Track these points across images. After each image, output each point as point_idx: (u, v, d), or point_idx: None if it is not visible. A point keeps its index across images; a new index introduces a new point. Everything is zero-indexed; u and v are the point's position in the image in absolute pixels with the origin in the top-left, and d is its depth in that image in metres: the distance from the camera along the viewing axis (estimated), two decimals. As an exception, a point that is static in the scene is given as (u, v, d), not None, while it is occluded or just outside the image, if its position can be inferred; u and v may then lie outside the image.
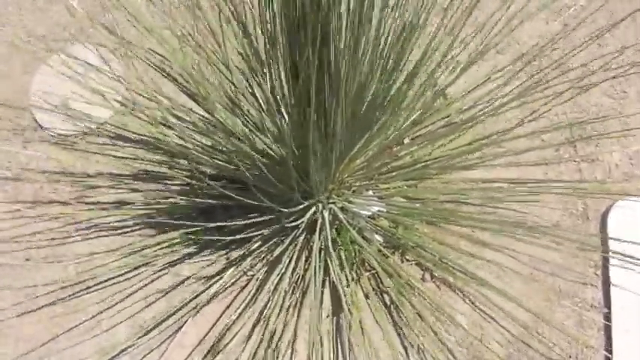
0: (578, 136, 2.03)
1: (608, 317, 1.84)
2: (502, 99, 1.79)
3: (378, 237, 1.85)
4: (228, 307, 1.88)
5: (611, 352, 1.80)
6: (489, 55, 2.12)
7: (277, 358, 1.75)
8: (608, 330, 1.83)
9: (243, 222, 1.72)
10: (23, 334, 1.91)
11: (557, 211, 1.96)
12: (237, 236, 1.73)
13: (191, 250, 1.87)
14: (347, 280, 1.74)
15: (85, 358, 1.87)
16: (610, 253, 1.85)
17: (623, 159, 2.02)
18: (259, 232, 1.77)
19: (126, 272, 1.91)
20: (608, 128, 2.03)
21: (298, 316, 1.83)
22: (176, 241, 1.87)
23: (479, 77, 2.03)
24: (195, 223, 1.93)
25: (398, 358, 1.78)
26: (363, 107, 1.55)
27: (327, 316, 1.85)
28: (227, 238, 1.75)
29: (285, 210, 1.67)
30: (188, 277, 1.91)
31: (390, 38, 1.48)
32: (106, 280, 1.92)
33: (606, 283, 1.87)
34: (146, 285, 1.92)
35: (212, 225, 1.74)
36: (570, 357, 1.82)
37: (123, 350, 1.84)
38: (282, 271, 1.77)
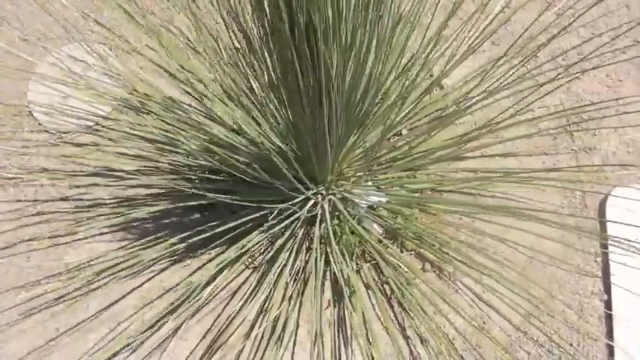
0: (575, 125, 2.04)
1: (608, 304, 1.85)
2: (498, 89, 1.79)
3: (377, 227, 1.86)
4: (230, 300, 1.89)
5: (612, 338, 1.81)
6: (485, 46, 2.13)
7: (280, 349, 1.75)
8: (609, 317, 1.84)
9: (242, 219, 1.72)
10: (26, 332, 1.91)
11: (555, 199, 1.97)
12: (237, 230, 1.74)
13: (192, 245, 1.87)
14: (347, 270, 1.75)
15: (88, 355, 1.87)
16: (609, 241, 1.85)
17: (620, 147, 2.03)
18: (259, 226, 1.79)
19: (127, 268, 1.91)
20: (604, 117, 2.04)
21: (300, 308, 1.84)
22: (177, 236, 1.87)
23: (474, 68, 2.04)
24: (196, 218, 1.95)
25: (399, 348, 1.78)
26: (356, 99, 1.55)
27: (328, 307, 1.86)
28: (227, 232, 1.75)
29: (283, 205, 1.67)
30: (190, 273, 1.92)
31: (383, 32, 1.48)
32: (107, 277, 1.93)
33: (606, 271, 1.88)
34: (148, 280, 1.93)
35: (212, 223, 1.75)
36: (572, 345, 1.82)
37: (126, 346, 1.84)
38: (283, 263, 1.78)
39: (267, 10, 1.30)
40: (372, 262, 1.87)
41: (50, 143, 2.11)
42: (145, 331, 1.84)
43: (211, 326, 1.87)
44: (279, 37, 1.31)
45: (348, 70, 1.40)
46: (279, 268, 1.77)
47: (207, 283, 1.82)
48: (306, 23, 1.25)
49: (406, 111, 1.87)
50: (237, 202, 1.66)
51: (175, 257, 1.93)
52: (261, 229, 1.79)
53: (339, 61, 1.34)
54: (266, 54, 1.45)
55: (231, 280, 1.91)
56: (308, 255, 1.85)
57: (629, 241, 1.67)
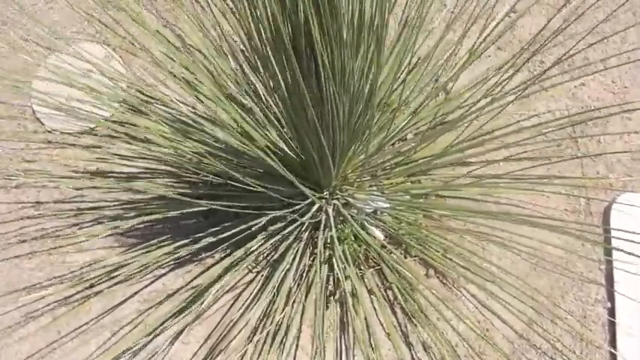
0: (579, 131, 2.04)
1: (611, 312, 1.84)
2: (504, 94, 1.79)
3: (379, 233, 1.85)
4: (233, 304, 1.88)
5: (615, 346, 1.80)
6: (490, 51, 2.12)
7: (282, 353, 1.74)
8: (612, 325, 1.83)
9: (247, 224, 1.72)
10: (28, 334, 1.91)
11: (559, 206, 1.96)
12: (241, 235, 1.73)
13: (195, 249, 1.87)
14: (351, 275, 1.74)
15: (90, 358, 1.87)
16: (613, 248, 1.85)
17: (625, 154, 2.02)
18: (263, 230, 1.78)
19: (129, 271, 1.90)
20: (609, 123, 2.04)
21: (303, 312, 1.83)
22: (180, 240, 1.86)
23: (480, 73, 2.04)
24: (199, 221, 1.95)
25: (401, 354, 1.78)
26: (360, 107, 1.54)
27: (331, 312, 1.85)
28: (231, 236, 1.75)
29: (288, 210, 1.67)
30: (193, 277, 1.91)
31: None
32: (109, 280, 1.92)
33: (609, 278, 1.88)
34: (151, 284, 1.92)
35: (216, 228, 1.74)
36: (574, 352, 1.82)
37: (128, 350, 1.84)
38: (287, 267, 1.77)
39: (269, 16, 1.29)
40: (376, 267, 1.86)
41: (53, 145, 2.10)
42: (147, 335, 1.83)
43: (213, 330, 1.87)
44: (281, 44, 1.30)
45: (350, 77, 1.40)
46: (283, 272, 1.76)
47: (210, 287, 1.81)
48: (309, 32, 1.24)
49: (410, 117, 1.86)
50: (240, 208, 1.65)
51: (178, 261, 1.92)
52: (266, 233, 1.78)
53: (341, 68, 1.34)
54: (270, 60, 1.44)
55: (235, 284, 1.90)
56: (312, 259, 1.85)
57: (633, 248, 1.67)
